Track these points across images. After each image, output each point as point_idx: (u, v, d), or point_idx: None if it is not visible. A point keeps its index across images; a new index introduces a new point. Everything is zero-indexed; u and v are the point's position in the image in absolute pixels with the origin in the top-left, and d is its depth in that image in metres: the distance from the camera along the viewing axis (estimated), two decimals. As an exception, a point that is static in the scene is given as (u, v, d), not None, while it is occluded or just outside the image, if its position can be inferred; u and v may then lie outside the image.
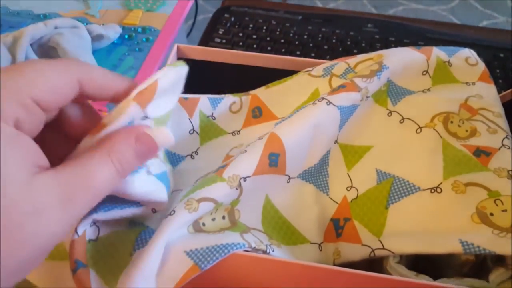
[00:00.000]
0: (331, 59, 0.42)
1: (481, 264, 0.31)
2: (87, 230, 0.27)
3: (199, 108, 0.40)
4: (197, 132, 0.39)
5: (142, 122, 0.24)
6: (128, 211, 0.27)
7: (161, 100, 0.24)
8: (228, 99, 0.41)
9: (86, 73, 0.21)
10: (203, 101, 0.40)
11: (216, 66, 0.43)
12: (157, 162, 0.28)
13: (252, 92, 0.42)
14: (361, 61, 0.39)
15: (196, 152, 0.39)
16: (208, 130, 0.40)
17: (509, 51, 0.61)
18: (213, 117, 0.40)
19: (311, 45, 0.60)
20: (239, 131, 0.40)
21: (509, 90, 0.38)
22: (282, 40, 0.60)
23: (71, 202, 0.18)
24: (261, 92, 0.42)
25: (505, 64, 0.59)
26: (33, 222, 0.17)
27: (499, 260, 0.30)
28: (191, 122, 0.39)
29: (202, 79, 0.44)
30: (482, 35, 0.65)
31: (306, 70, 0.42)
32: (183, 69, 0.26)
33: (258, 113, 0.41)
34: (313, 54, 0.59)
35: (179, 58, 0.43)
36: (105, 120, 0.22)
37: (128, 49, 0.57)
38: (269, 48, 0.59)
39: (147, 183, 0.26)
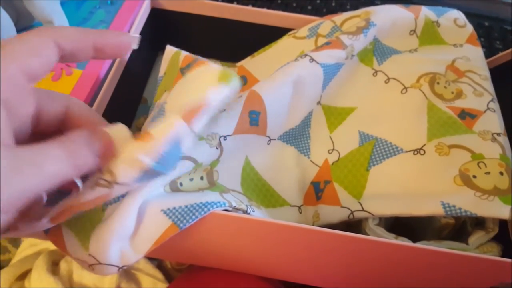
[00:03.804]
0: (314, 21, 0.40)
1: (460, 228, 0.31)
2: None
3: None
4: None
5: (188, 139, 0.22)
6: None
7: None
8: None
9: (58, 31, 0.20)
10: None
11: (194, 18, 0.40)
12: None
13: (238, 64, 0.40)
14: (348, 18, 0.37)
15: None
16: None
17: (494, 20, 0.60)
18: None
19: (294, 4, 0.57)
20: None
21: (509, 50, 0.37)
22: (265, -1, 0.57)
23: (15, 175, 0.17)
24: (247, 63, 0.40)
25: (490, 33, 0.58)
26: None
27: (478, 224, 0.30)
28: None
29: (178, 33, 0.41)
30: (467, 4, 0.63)
31: (290, 32, 0.40)
32: (236, 85, 0.22)
33: (243, 81, 0.39)
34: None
35: (153, 9, 0.40)
36: (152, 131, 0.20)
37: (100, 2, 0.53)
38: (250, 6, 0.56)
39: None
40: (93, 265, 0.24)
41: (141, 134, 0.20)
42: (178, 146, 0.21)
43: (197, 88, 0.22)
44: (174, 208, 0.24)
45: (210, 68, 0.23)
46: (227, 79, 0.22)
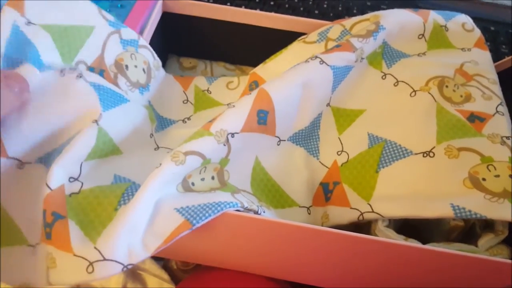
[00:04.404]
0: (322, 25, 0.41)
1: (468, 231, 0.31)
2: (67, 185, 0.25)
3: (194, 83, 0.40)
4: (191, 103, 0.39)
5: (27, 27, 0.27)
6: (79, 143, 0.27)
7: (46, 7, 0.28)
8: (226, 78, 0.41)
9: None
10: (199, 78, 0.40)
11: (204, 22, 0.41)
12: (95, 75, 0.31)
13: (251, 71, 0.41)
14: (357, 22, 0.37)
15: (188, 118, 0.38)
16: (203, 102, 0.39)
17: (500, 24, 0.60)
18: (209, 91, 0.40)
19: (301, 9, 0.58)
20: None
21: (510, 57, 0.37)
22: (272, 3, 0.58)
23: None
24: (259, 69, 0.40)
25: (496, 38, 0.58)
26: None
27: (487, 226, 0.30)
28: (185, 94, 0.39)
29: (188, 36, 0.42)
30: (474, 8, 0.64)
31: (300, 38, 0.40)
32: None
33: (254, 86, 0.39)
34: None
35: (164, 13, 0.41)
36: None
37: (110, 5, 0.53)
38: (258, 10, 0.57)
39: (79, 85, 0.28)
40: (95, 263, 0.23)
41: None
42: (17, 29, 0.27)
43: None
44: (187, 206, 0.25)
45: None
46: None
